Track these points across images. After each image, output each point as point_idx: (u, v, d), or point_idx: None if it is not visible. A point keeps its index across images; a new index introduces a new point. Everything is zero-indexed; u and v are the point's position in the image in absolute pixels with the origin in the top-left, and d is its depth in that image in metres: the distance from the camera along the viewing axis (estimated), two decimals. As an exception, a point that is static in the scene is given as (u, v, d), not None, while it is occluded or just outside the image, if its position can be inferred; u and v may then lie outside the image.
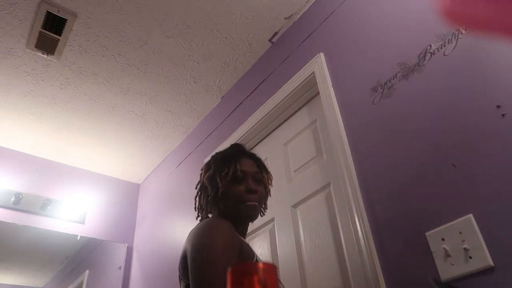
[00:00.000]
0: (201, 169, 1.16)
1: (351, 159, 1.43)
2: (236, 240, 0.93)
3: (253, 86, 2.25)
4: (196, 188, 1.16)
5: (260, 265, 0.38)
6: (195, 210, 1.16)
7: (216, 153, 1.17)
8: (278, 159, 1.94)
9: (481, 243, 0.97)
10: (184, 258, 0.94)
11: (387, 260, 1.19)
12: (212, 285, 0.79)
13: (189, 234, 0.98)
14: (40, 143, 2.80)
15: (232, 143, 2.19)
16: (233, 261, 0.86)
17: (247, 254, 0.95)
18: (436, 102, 1.22)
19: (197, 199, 1.15)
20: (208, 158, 2.32)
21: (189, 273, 0.87)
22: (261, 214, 1.13)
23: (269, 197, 1.17)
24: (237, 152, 1.13)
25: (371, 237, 1.25)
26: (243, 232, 1.07)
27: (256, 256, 1.02)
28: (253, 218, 1.07)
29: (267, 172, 1.15)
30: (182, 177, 2.69)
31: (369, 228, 1.27)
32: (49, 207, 2.73)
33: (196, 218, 1.15)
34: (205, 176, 1.10)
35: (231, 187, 1.04)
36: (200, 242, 0.89)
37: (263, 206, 1.13)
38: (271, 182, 1.16)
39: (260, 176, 1.09)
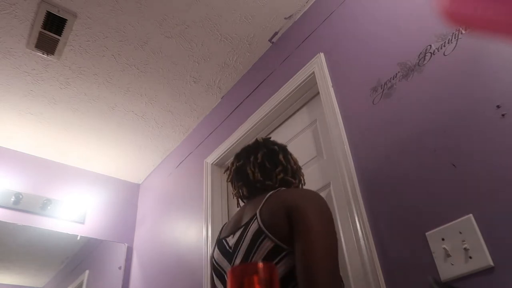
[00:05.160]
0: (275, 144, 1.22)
1: (351, 159, 1.43)
2: None
3: (253, 86, 2.25)
4: (278, 152, 1.19)
5: (260, 265, 0.38)
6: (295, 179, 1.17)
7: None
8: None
9: (481, 243, 0.97)
10: (277, 213, 0.94)
11: (387, 260, 1.19)
12: (335, 253, 0.87)
13: (289, 193, 0.99)
14: (40, 143, 2.80)
15: (233, 143, 2.21)
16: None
17: None
18: (436, 102, 1.22)
19: (283, 159, 1.17)
20: (213, 156, 2.34)
21: (307, 229, 0.87)
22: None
23: None
24: None
25: (371, 237, 1.25)
26: None
27: None
28: None
29: None
30: (182, 177, 2.69)
31: (369, 228, 1.27)
32: (49, 207, 2.73)
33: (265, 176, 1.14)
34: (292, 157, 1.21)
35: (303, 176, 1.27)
36: (317, 210, 0.93)
37: None
38: None
39: None
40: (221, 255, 1.06)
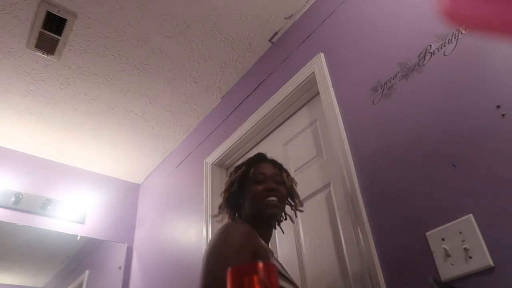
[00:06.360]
0: (232, 171, 1.27)
1: (351, 159, 1.43)
2: (252, 243, 0.99)
3: (253, 86, 2.25)
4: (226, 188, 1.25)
5: (260, 265, 0.38)
6: (220, 208, 1.25)
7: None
8: (278, 159, 1.94)
9: (481, 243, 0.97)
10: None
11: (387, 260, 1.19)
12: (217, 280, 0.83)
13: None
14: (40, 143, 2.80)
15: (233, 143, 2.21)
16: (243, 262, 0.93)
17: (261, 258, 0.98)
18: (436, 102, 1.22)
19: (225, 196, 1.23)
20: (211, 157, 2.34)
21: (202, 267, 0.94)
22: (294, 209, 1.24)
23: (298, 196, 1.27)
24: (259, 157, 1.25)
25: (371, 237, 1.25)
26: (266, 235, 1.13)
27: (277, 261, 1.08)
28: (274, 216, 1.15)
29: (288, 175, 1.25)
30: (182, 177, 2.69)
31: (369, 228, 1.27)
32: (49, 207, 2.72)
33: (217, 215, 1.24)
34: (235, 176, 1.21)
35: (252, 187, 1.13)
36: (216, 240, 0.98)
37: (293, 203, 1.24)
38: (294, 183, 1.26)
39: (279, 178, 1.19)
40: None
